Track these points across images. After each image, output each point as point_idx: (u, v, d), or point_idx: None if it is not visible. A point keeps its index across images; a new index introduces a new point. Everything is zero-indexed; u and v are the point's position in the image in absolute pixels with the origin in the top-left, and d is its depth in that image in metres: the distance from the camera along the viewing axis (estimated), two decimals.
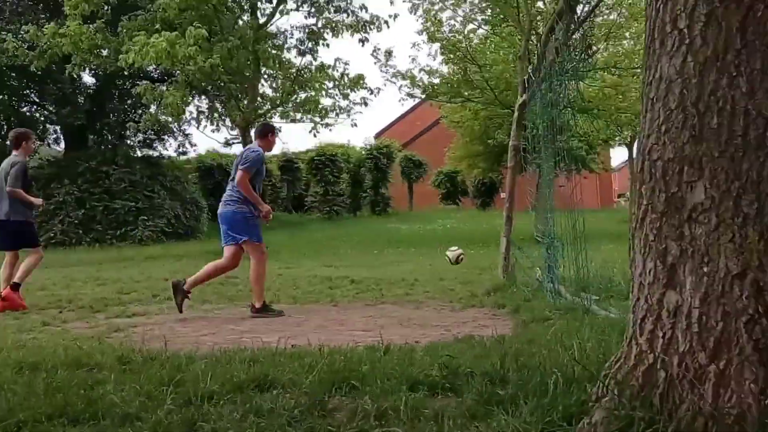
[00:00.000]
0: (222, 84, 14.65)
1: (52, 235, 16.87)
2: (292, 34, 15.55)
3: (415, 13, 17.27)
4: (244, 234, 6.61)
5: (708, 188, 2.12)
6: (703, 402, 2.08)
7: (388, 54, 17.22)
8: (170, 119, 16.45)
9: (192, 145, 22.76)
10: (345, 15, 15.06)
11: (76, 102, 19.29)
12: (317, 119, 15.46)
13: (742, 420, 2.03)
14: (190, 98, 15.69)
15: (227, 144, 16.47)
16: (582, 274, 6.25)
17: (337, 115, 15.50)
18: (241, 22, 14.44)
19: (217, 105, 15.63)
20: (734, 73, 2.10)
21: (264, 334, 5.38)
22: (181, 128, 21.72)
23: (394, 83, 18.20)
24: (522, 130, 8.28)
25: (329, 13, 15.13)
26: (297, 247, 15.41)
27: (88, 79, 20.56)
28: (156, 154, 21.69)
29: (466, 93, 18.74)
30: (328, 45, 15.41)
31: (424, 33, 17.42)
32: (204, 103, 17.55)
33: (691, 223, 2.15)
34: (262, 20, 14.90)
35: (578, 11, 7.28)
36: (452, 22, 17.66)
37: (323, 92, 15.13)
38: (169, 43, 12.30)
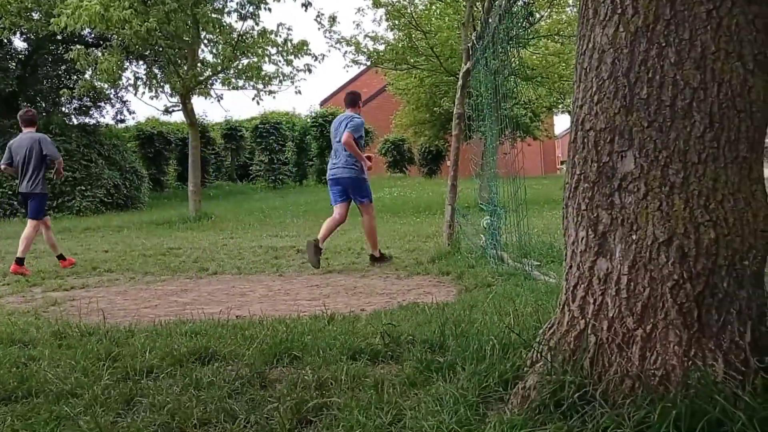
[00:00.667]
0: (160, 49, 14.18)
1: None
2: None
3: None
4: (366, 197, 7.61)
5: (637, 158, 2.16)
6: (631, 365, 2.16)
7: (333, 20, 16.93)
8: (106, 85, 15.85)
9: (130, 112, 22.14)
10: None
11: (6, 68, 18.44)
12: (260, 86, 15.15)
13: (666, 381, 2.11)
14: (127, 63, 15.18)
15: (167, 111, 15.98)
16: (524, 241, 6.37)
17: (280, 82, 15.21)
18: None
19: (156, 71, 15.12)
20: (663, 44, 2.14)
21: (207, 305, 5.33)
22: (118, 95, 21.03)
23: (339, 50, 17.98)
24: (466, 97, 8.31)
25: None
26: (241, 217, 15.24)
27: (19, 43, 19.68)
28: (92, 121, 20.95)
29: (411, 60, 18.67)
30: (270, 9, 15.09)
31: None
32: (142, 69, 16.98)
33: (621, 192, 2.19)
34: None
35: None
36: None
37: (266, 58, 14.81)
38: (103, 5, 11.81)
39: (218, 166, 28.33)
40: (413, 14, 17.29)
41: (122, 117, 22.20)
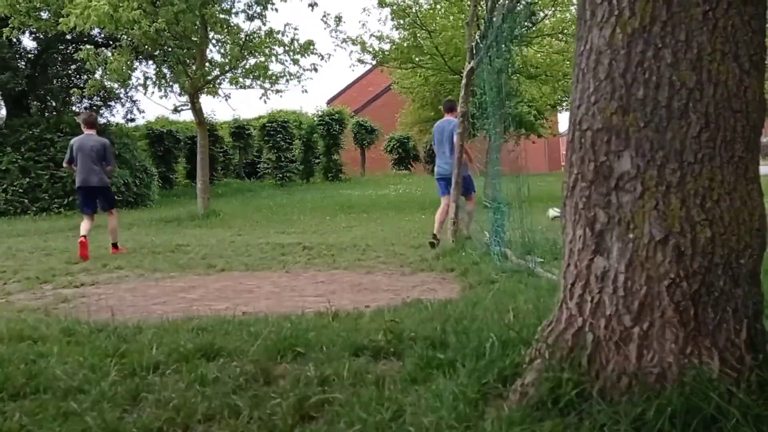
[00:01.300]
0: (169, 49, 14.25)
1: None
2: None
3: None
4: (472, 189, 8.83)
5: (634, 157, 2.19)
6: (628, 362, 2.19)
7: (338, 19, 16.97)
8: (116, 85, 15.96)
9: (140, 111, 22.24)
10: None
11: (16, 67, 18.54)
12: (267, 85, 15.19)
13: (663, 378, 2.15)
14: (136, 63, 15.26)
15: (176, 110, 16.05)
16: (527, 238, 6.39)
17: (287, 81, 15.24)
18: None
19: (165, 70, 15.20)
20: (660, 45, 2.17)
21: (214, 301, 5.39)
22: (128, 94, 21.13)
23: (345, 49, 17.97)
24: (471, 96, 8.33)
25: None
26: (249, 214, 15.30)
27: (28, 42, 19.79)
28: (103, 120, 21.07)
29: (416, 59, 18.66)
30: (276, 9, 15.19)
31: None
32: (151, 69, 17.05)
33: (618, 191, 2.22)
34: None
35: None
36: None
37: (273, 58, 14.85)
38: (112, 6, 11.87)
39: (226, 164, 28.42)
40: (418, 14, 17.30)
41: (132, 116, 22.33)
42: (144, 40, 12.91)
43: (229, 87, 15.49)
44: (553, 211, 10.01)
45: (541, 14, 16.72)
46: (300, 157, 27.82)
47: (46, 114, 20.17)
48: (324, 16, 18.30)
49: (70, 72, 20.42)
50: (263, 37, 14.71)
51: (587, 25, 2.32)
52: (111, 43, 16.55)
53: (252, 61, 14.92)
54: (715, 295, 2.18)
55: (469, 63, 8.07)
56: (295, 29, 17.35)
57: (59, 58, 20.04)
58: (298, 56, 15.02)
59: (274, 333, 3.49)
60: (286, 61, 15.15)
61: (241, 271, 7.25)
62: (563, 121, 34.49)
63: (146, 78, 15.64)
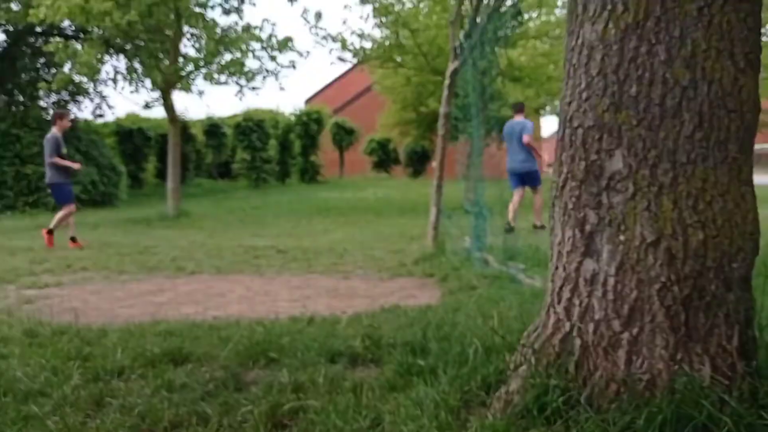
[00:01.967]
0: (141, 43, 13.97)
1: None
2: None
3: None
4: (539, 182, 10.12)
5: (626, 156, 2.11)
6: (616, 369, 2.11)
7: (318, 16, 16.82)
8: (85, 79, 15.61)
9: (110, 107, 21.75)
10: None
11: None
12: (243, 82, 14.99)
13: (652, 385, 2.07)
14: (107, 57, 14.94)
15: (147, 106, 15.71)
16: (509, 243, 6.33)
17: (264, 78, 15.04)
18: None
19: (136, 65, 14.89)
20: (653, 41, 2.09)
21: (183, 305, 5.23)
22: (98, 89, 20.69)
23: (324, 46, 17.80)
24: (453, 97, 8.26)
25: None
26: (222, 216, 15.07)
27: None
28: (70, 116, 20.63)
29: (398, 58, 18.58)
30: (254, 4, 14.96)
31: None
32: (122, 63, 16.72)
33: (609, 191, 2.14)
34: None
35: None
36: None
37: (249, 54, 14.64)
38: None
39: (199, 164, 28.03)
40: (400, 12, 17.21)
41: (101, 112, 21.84)
42: (115, 32, 12.64)
43: (203, 83, 15.29)
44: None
45: (526, 16, 16.74)
46: (276, 157, 27.52)
47: (13, 109, 19.69)
48: (304, 12, 18.13)
49: (38, 65, 19.95)
50: (240, 32, 14.51)
51: (579, 20, 2.24)
52: (81, 35, 16.20)
53: (228, 56, 14.69)
54: (706, 300, 2.11)
55: (453, 63, 8.00)
56: (273, 25, 17.20)
57: (28, 51, 19.58)
58: (275, 53, 14.85)
59: (246, 338, 3.36)
60: (263, 57, 14.96)
61: (212, 274, 7.08)
62: (546, 125, 34.72)
63: (117, 72, 15.37)
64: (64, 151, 9.79)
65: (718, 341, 2.11)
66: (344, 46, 18.05)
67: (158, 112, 20.36)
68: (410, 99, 24.61)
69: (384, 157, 35.05)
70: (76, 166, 9.81)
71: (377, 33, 18.48)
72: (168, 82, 14.30)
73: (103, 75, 14.78)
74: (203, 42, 14.69)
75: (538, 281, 5.11)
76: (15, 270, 7.34)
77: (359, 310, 4.69)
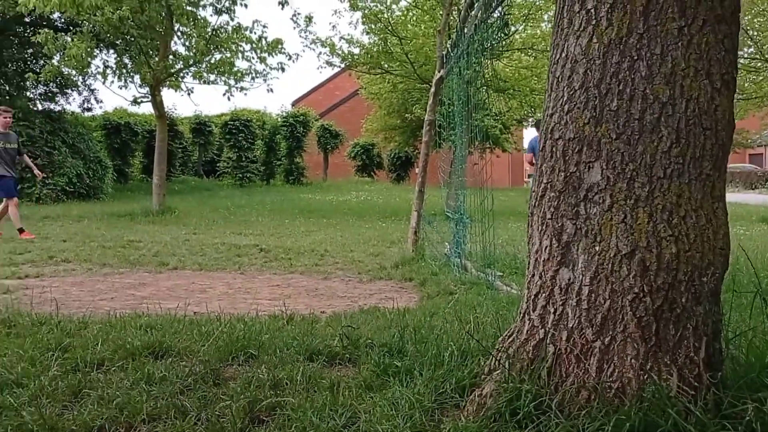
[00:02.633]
0: (132, 38, 13.92)
1: None
2: None
3: None
4: None
5: (604, 169, 2.17)
6: (588, 376, 2.16)
7: (309, 20, 16.86)
8: (74, 72, 15.51)
9: (98, 101, 21.63)
10: None
11: None
12: (232, 82, 14.97)
13: (622, 393, 2.12)
14: (97, 51, 14.84)
15: (135, 102, 15.63)
16: (488, 251, 6.39)
17: (252, 79, 15.02)
18: None
19: (126, 60, 14.82)
20: (635, 57, 2.15)
21: (165, 300, 5.23)
22: (86, 82, 20.58)
23: (314, 50, 17.84)
24: (439, 105, 8.32)
25: None
26: (206, 213, 15.03)
27: None
28: (58, 108, 20.47)
29: (385, 65, 18.66)
30: (246, 5, 14.91)
31: (346, 0, 17.18)
32: (112, 58, 16.62)
33: (586, 202, 2.20)
34: None
35: None
36: None
37: (239, 54, 14.63)
38: None
39: (185, 161, 27.95)
40: (390, 19, 17.31)
41: (89, 105, 21.74)
42: (106, 27, 12.58)
43: (192, 81, 15.24)
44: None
45: (513, 28, 16.88)
46: (261, 157, 27.49)
47: None
48: (294, 15, 18.10)
49: (26, 56, 19.80)
50: (230, 32, 14.50)
51: (564, 33, 2.30)
52: (71, 28, 16.08)
53: (218, 56, 14.68)
54: (677, 312, 2.16)
55: (439, 72, 8.07)
56: (264, 27, 17.19)
57: (16, 41, 19.43)
58: (265, 54, 14.85)
59: (226, 334, 3.38)
60: (253, 58, 14.96)
61: (194, 270, 7.08)
62: (528, 136, 34.95)
63: (106, 66, 15.26)
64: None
65: (686, 352, 2.17)
66: (333, 51, 18.11)
67: (146, 108, 20.23)
68: (396, 105, 24.71)
69: (368, 162, 35.10)
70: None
71: (366, 39, 18.58)
72: (157, 79, 14.26)
73: (92, 68, 14.63)
74: (194, 40, 14.66)
75: (515, 288, 5.17)
76: None
77: (338, 310, 4.73)
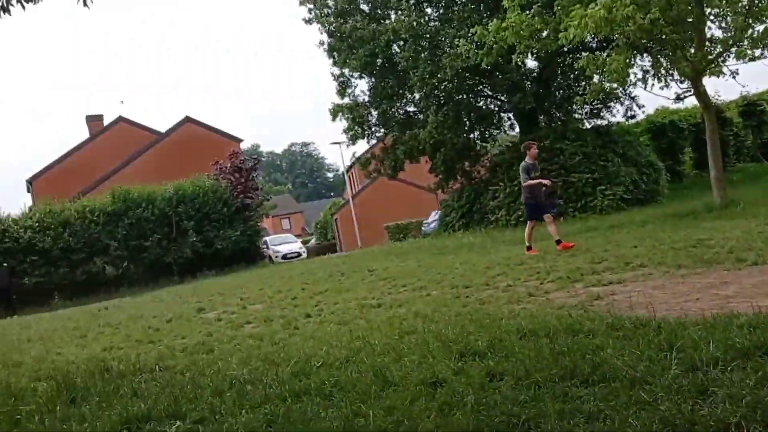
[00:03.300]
0: (664, 37, 13.81)
1: (520, 214, 18.41)
2: None
3: None
4: None
5: None
6: None
7: None
8: (615, 85, 16.22)
9: (639, 107, 22.02)
10: None
11: (524, 88, 20.52)
12: None
13: None
14: (633, 60, 15.22)
15: (678, 99, 15.36)
16: None
17: None
18: None
19: (662, 60, 14.77)
20: None
21: (754, 298, 4.95)
22: (627, 92, 21.24)
23: None
24: None
25: None
26: None
27: (531, 63, 21.68)
28: (604, 122, 21.68)
29: None
30: None
31: None
32: (647, 61, 16.79)
33: None
34: None
35: None
36: None
37: None
38: (606, 8, 12.14)
39: (738, 148, 26.00)
40: None
41: (632, 113, 22.35)
42: (639, 34, 12.80)
43: (735, 63, 14.17)
44: None
45: None
46: None
47: (552, 125, 21.77)
48: None
49: (569, 82, 21.64)
50: None
51: None
52: (605, 45, 16.95)
53: (759, 27, 13.32)
54: None
55: None
56: None
57: (558, 71, 21.44)
58: None
59: None
60: None
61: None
62: None
63: (644, 72, 15.47)
64: (535, 174, 11.18)
65: None
66: None
67: (688, 102, 19.66)
68: None
69: None
70: (546, 182, 11.27)
71: None
72: (697, 70, 13.77)
73: (631, 77, 15.04)
74: (729, 19, 13.67)
75: None
76: (578, 270, 8.09)
77: None
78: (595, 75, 15.65)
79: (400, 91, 21.87)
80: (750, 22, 13.31)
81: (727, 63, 14.42)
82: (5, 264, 20.99)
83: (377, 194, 41.94)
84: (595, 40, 18.46)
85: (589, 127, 21.55)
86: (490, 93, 22.46)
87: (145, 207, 23.65)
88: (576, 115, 21.94)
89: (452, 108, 20.34)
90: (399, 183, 33.09)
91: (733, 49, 13.91)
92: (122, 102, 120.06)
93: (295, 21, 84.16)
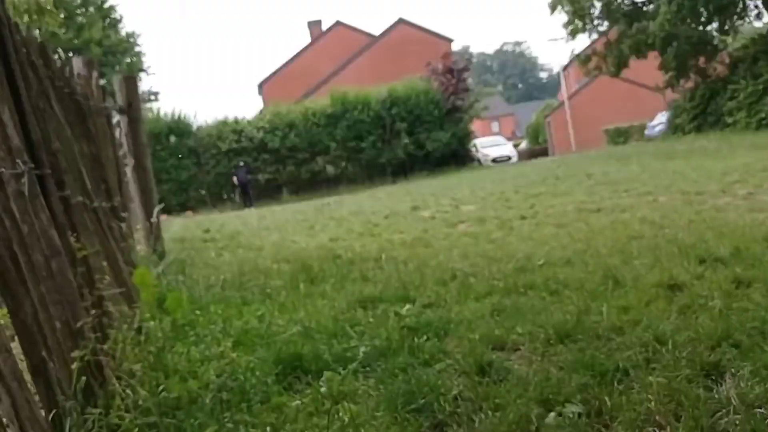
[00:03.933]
0: None
1: (763, 116, 16.42)
2: None
3: None
4: None
5: None
6: None
7: None
8: None
9: None
10: None
11: None
12: None
13: None
14: None
15: None
16: None
17: None
18: None
19: None
20: None
21: None
22: None
23: None
24: None
25: None
26: None
27: None
28: None
29: None
30: None
31: None
32: None
33: None
34: None
35: None
36: None
37: None
38: None
39: None
40: None
41: None
42: None
43: None
44: None
45: None
46: None
47: None
48: None
49: None
50: None
51: None
52: None
53: None
54: None
55: None
56: None
57: None
58: None
59: None
60: None
61: None
62: None
63: None
64: None
65: None
66: None
67: None
68: None
69: None
70: None
71: None
72: None
73: None
74: None
75: None
76: None
77: None
78: None
79: None
80: None
81: None
82: (243, 162, 23.19)
83: (595, 95, 39.53)
84: None
85: None
86: None
87: (361, 109, 24.54)
88: None
89: None
90: (620, 82, 30.77)
91: None
92: None
93: None
